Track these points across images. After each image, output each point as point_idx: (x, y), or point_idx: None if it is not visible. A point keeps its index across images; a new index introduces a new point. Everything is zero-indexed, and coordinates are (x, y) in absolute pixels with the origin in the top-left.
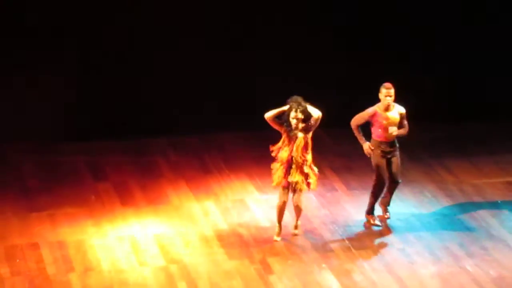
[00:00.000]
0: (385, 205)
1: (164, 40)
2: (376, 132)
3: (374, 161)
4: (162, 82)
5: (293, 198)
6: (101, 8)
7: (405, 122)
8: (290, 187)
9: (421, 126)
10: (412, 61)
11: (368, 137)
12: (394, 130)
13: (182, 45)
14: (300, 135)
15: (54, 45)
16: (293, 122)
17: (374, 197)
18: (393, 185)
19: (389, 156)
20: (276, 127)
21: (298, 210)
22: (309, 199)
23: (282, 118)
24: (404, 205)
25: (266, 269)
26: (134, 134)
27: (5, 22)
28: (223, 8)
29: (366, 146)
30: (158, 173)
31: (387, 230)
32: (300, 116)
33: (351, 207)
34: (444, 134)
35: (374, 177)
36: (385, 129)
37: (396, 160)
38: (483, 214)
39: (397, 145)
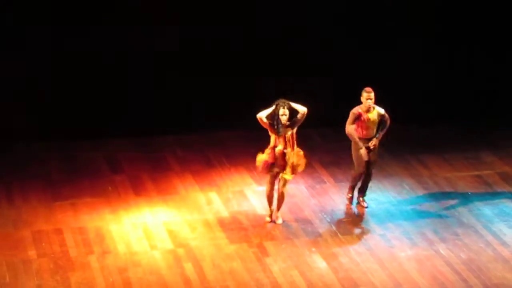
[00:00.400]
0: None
1: (168, 43)
2: (358, 130)
3: (354, 153)
4: (170, 86)
5: (279, 186)
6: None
7: (386, 120)
8: (276, 176)
9: (400, 126)
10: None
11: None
12: (373, 128)
13: (185, 50)
14: (288, 130)
15: (72, 46)
16: (283, 118)
17: (352, 186)
18: (368, 176)
19: (368, 151)
20: (265, 126)
21: (282, 198)
22: (301, 190)
23: (273, 119)
24: (385, 196)
25: (263, 252)
26: (146, 133)
27: None
28: (222, 7)
29: (364, 151)
30: (167, 167)
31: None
32: (287, 112)
33: (338, 198)
34: (421, 133)
35: (352, 170)
36: (366, 128)
37: (374, 155)
38: (455, 204)
39: (376, 144)
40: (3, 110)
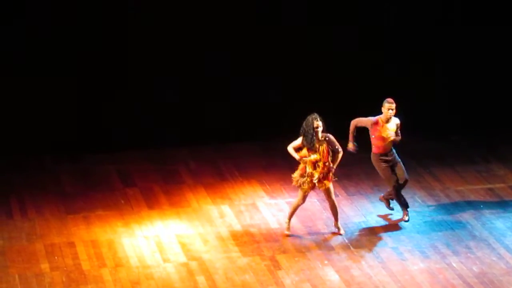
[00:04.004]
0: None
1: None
2: (376, 144)
3: (381, 172)
4: (183, 98)
5: (329, 199)
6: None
7: (399, 132)
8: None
9: (411, 138)
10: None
11: (367, 150)
12: (391, 135)
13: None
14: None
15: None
16: (319, 130)
17: (397, 197)
18: (403, 184)
19: (391, 164)
20: (296, 155)
21: (335, 209)
22: (313, 203)
23: (305, 135)
24: (397, 209)
25: (275, 265)
26: (158, 145)
27: None
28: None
29: (351, 145)
30: (180, 180)
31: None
32: (321, 123)
33: (350, 211)
34: (432, 146)
35: (388, 187)
36: (384, 140)
37: (399, 164)
38: (467, 217)
39: (394, 152)
40: (18, 123)
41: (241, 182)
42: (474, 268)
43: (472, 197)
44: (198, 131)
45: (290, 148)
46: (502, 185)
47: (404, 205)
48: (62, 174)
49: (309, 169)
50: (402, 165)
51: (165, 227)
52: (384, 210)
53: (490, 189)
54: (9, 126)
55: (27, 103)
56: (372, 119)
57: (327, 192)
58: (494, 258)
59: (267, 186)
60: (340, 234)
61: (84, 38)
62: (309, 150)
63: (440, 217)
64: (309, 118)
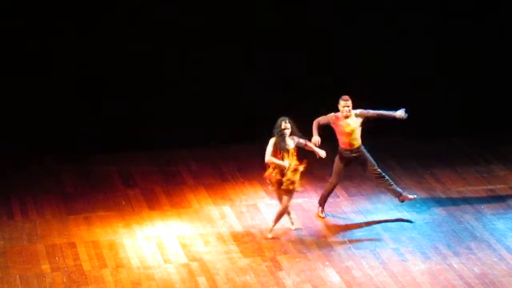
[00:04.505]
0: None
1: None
2: (341, 139)
3: (334, 165)
4: (186, 100)
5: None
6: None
7: (369, 112)
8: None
9: (412, 140)
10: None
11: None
12: (354, 129)
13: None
14: (292, 145)
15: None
16: (287, 132)
17: (328, 194)
18: (380, 179)
19: (356, 162)
20: (280, 163)
21: (282, 214)
22: (314, 204)
23: (276, 136)
24: (398, 210)
25: (276, 265)
26: (160, 147)
27: None
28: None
29: (315, 139)
30: (181, 181)
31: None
32: (289, 125)
33: (351, 211)
34: (433, 147)
35: (331, 179)
36: (347, 135)
37: (368, 161)
38: (468, 218)
39: (363, 148)
40: (19, 124)
41: (242, 183)
42: (475, 269)
43: (473, 198)
44: (198, 132)
45: (270, 158)
46: (503, 186)
47: (322, 203)
48: (63, 175)
49: (290, 175)
50: (371, 160)
51: (166, 228)
52: (384, 210)
53: (491, 190)
54: (10, 126)
55: (28, 103)
56: (331, 115)
57: (289, 195)
58: (495, 259)
59: (268, 187)
60: (268, 238)
61: (84, 37)
62: (281, 151)
63: (441, 218)
64: (279, 120)
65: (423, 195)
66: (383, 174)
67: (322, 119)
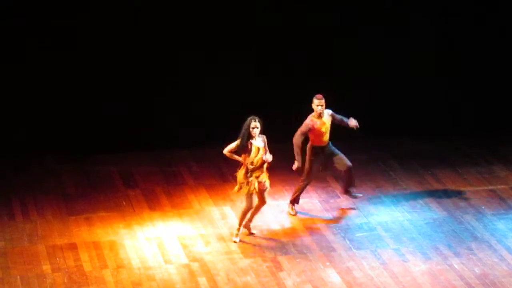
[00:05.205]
0: (349, 188)
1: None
2: (315, 139)
3: (307, 165)
4: (187, 100)
5: (264, 199)
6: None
7: (336, 116)
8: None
9: (413, 140)
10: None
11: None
12: (328, 127)
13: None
14: (261, 144)
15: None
16: (256, 131)
17: (300, 191)
18: (349, 172)
19: (327, 158)
20: (236, 158)
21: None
22: (314, 204)
23: (242, 136)
24: (399, 210)
25: (277, 266)
26: (160, 147)
27: None
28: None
29: (296, 166)
30: (182, 181)
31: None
32: (259, 125)
33: (351, 212)
34: (433, 147)
35: (303, 178)
36: (323, 134)
37: (338, 155)
38: (469, 218)
39: (331, 144)
40: (19, 124)
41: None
42: (476, 270)
43: (474, 199)
44: (199, 132)
45: (227, 150)
46: (503, 186)
47: (296, 201)
48: (64, 175)
49: (241, 178)
50: (342, 155)
51: (167, 228)
52: (385, 210)
53: (491, 191)
54: (10, 127)
55: (28, 103)
56: (307, 123)
57: (263, 192)
58: (495, 260)
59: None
60: (251, 233)
61: (84, 37)
62: (241, 150)
63: (442, 218)
64: (248, 119)
65: (424, 195)
66: (351, 171)
67: (302, 135)
